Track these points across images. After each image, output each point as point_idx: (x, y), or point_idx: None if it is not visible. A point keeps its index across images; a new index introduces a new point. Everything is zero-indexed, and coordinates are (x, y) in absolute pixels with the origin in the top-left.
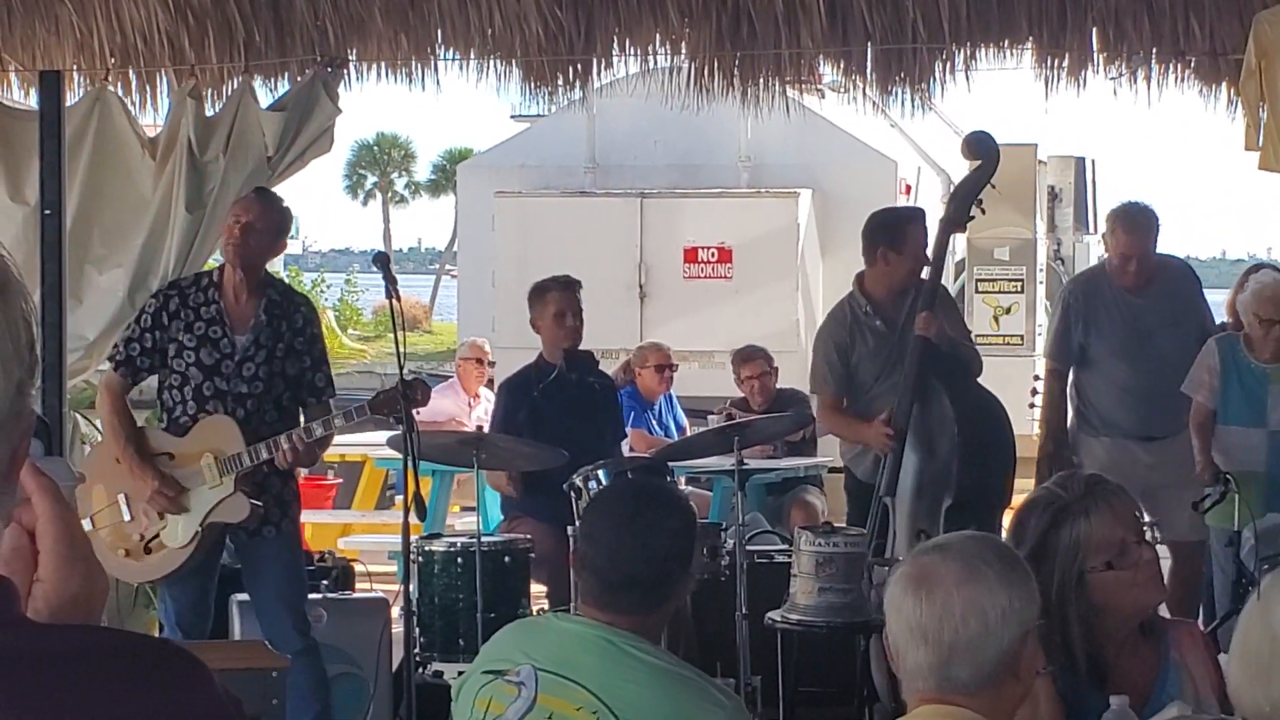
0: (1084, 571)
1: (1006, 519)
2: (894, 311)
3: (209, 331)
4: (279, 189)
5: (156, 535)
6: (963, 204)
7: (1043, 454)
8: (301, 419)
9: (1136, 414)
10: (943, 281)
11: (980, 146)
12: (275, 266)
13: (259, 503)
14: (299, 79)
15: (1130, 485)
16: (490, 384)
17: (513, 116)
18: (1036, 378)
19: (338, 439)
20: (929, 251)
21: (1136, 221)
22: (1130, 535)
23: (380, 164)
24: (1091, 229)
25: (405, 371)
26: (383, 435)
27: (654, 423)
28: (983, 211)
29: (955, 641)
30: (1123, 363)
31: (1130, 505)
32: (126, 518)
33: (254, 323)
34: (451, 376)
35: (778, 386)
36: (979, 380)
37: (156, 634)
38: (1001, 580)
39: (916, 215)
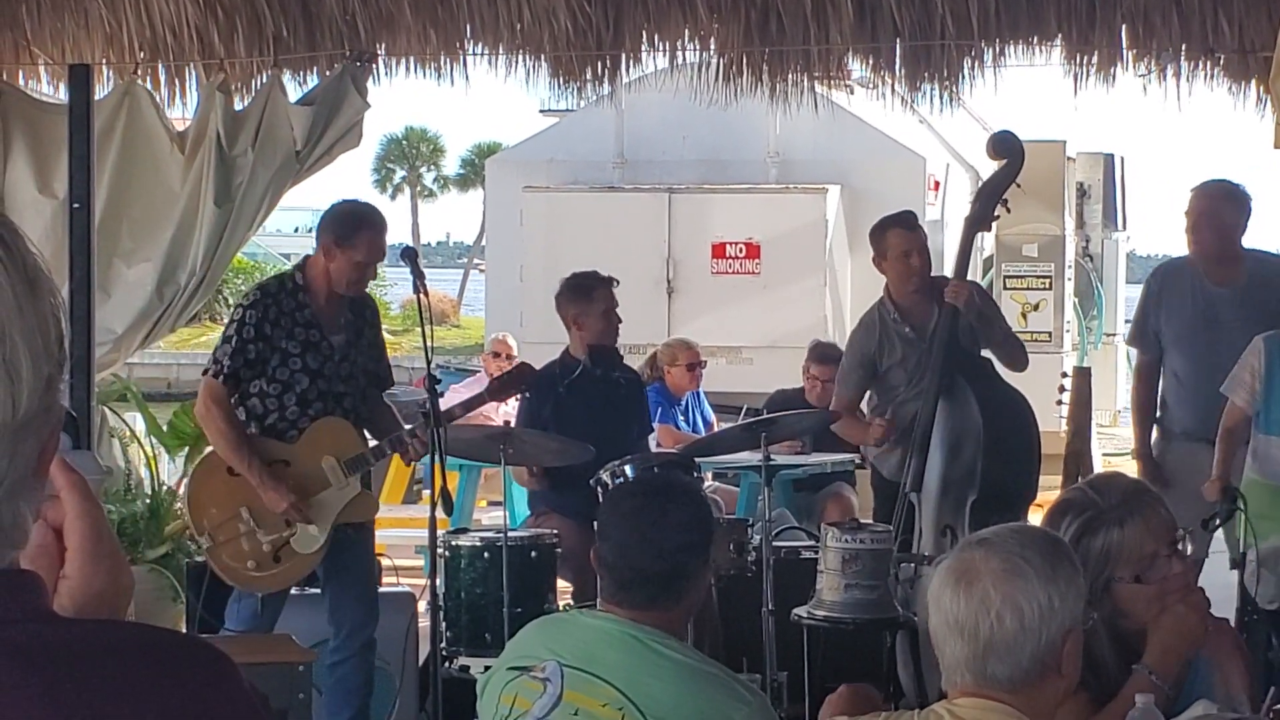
0: (1111, 581)
1: (1033, 515)
2: (923, 318)
3: (309, 336)
4: (307, 183)
5: (286, 543)
6: (988, 203)
7: (1069, 451)
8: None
9: (1194, 412)
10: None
11: (1005, 146)
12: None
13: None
14: (328, 73)
15: (1194, 494)
16: None
17: (541, 111)
18: (1064, 374)
19: None
20: (928, 249)
21: (1209, 188)
22: (1162, 548)
23: (409, 158)
24: (1120, 225)
25: (431, 366)
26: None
27: (681, 418)
28: (1008, 210)
29: (991, 639)
30: (1179, 353)
31: (1165, 516)
32: (253, 529)
33: (343, 322)
34: (479, 370)
35: None
36: (1004, 377)
37: (184, 629)
38: (1043, 577)
39: (899, 219)
